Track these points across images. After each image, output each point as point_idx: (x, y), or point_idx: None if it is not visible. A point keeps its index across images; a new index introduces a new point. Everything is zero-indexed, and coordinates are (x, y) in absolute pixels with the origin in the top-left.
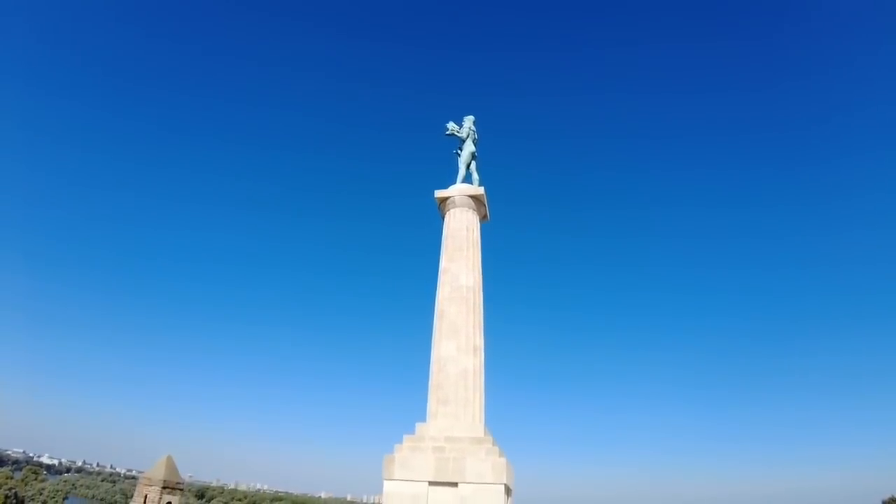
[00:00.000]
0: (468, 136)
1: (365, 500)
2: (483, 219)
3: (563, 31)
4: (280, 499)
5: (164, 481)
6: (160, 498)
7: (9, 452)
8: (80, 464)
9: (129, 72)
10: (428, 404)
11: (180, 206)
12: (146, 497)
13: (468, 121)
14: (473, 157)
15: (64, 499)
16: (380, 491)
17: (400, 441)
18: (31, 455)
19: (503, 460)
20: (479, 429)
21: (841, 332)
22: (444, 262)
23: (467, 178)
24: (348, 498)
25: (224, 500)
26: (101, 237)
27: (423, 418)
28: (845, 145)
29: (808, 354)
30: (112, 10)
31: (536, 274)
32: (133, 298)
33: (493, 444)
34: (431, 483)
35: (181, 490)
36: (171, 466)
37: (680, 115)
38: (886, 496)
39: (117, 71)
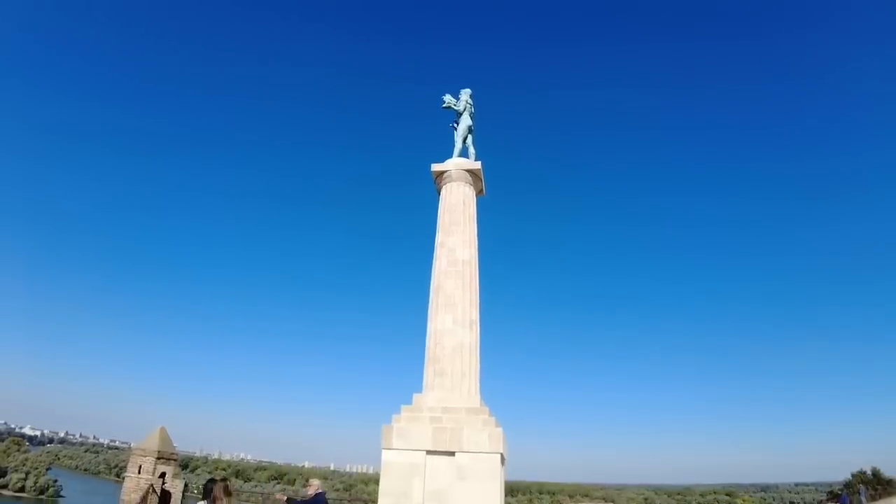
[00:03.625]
0: (465, 110)
1: (348, 469)
2: (479, 193)
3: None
4: (263, 468)
5: (159, 452)
6: (155, 468)
7: None
8: (62, 435)
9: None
10: (424, 376)
11: (173, 180)
12: (140, 468)
13: (465, 94)
14: (470, 130)
15: (47, 469)
16: (363, 461)
17: (398, 412)
18: (12, 426)
19: (499, 430)
20: (475, 400)
21: (815, 317)
22: (440, 237)
23: (464, 152)
24: (331, 467)
25: (208, 470)
26: (85, 203)
27: (419, 390)
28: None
29: (781, 335)
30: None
31: (531, 249)
32: (113, 269)
33: (490, 415)
34: (429, 452)
35: (175, 460)
36: (165, 437)
37: (677, 100)
38: (856, 469)
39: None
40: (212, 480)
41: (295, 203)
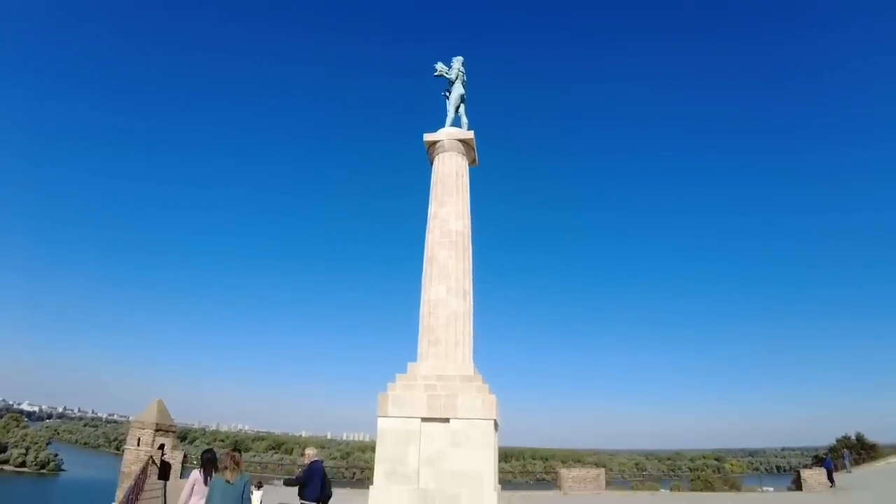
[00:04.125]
0: (457, 78)
1: (345, 438)
2: (472, 163)
3: None
4: (262, 438)
5: (157, 424)
6: (153, 440)
7: None
8: (60, 410)
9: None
10: (419, 345)
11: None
12: (139, 440)
13: (457, 62)
14: (462, 99)
15: (47, 444)
16: (359, 429)
17: (392, 381)
18: (10, 403)
19: (493, 397)
20: (468, 368)
21: (801, 288)
22: (433, 207)
23: (456, 122)
24: (328, 436)
25: (206, 441)
26: (81, 172)
27: (413, 360)
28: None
29: (768, 307)
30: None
31: (523, 218)
32: (107, 243)
33: (483, 382)
34: (424, 419)
35: (173, 432)
36: (163, 410)
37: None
38: (840, 435)
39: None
40: (208, 450)
41: (288, 169)
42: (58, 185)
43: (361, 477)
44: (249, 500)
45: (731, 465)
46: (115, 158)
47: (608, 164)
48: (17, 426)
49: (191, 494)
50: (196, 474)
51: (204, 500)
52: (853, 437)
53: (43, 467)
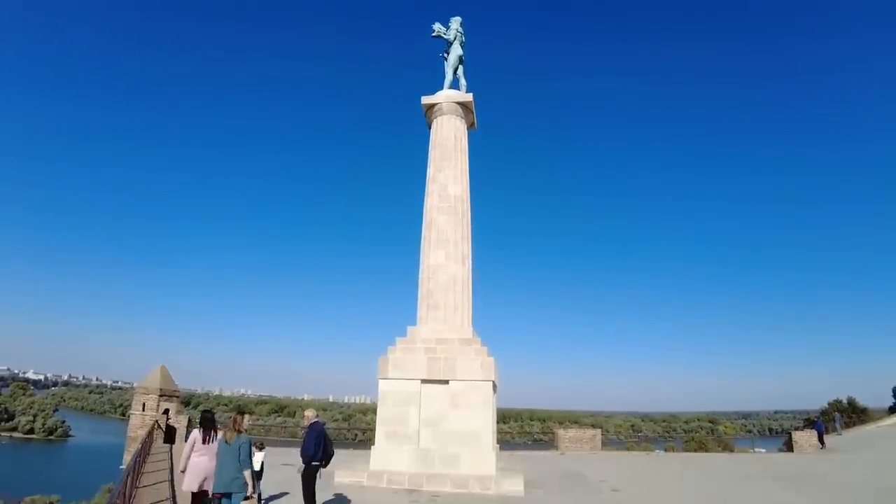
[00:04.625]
0: (455, 39)
1: (346, 400)
2: (471, 127)
3: None
4: (265, 402)
5: (161, 390)
6: (158, 405)
7: None
8: (65, 378)
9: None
10: (418, 310)
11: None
12: (144, 405)
13: (455, 22)
14: (461, 60)
15: (54, 411)
16: (360, 392)
17: (393, 344)
18: (16, 371)
19: (491, 359)
20: (467, 331)
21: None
22: (431, 172)
23: (454, 83)
24: (330, 399)
25: (210, 406)
26: (83, 138)
27: (413, 324)
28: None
29: (762, 273)
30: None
31: (523, 180)
32: (109, 210)
33: (482, 345)
34: (424, 381)
35: (177, 397)
36: (166, 375)
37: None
38: (832, 398)
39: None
40: (207, 411)
41: (288, 136)
42: (56, 154)
43: (363, 438)
44: (246, 459)
45: (725, 427)
46: (108, 124)
47: (609, 122)
48: (24, 394)
49: (191, 452)
50: (196, 434)
51: (204, 457)
52: (845, 402)
53: (51, 434)
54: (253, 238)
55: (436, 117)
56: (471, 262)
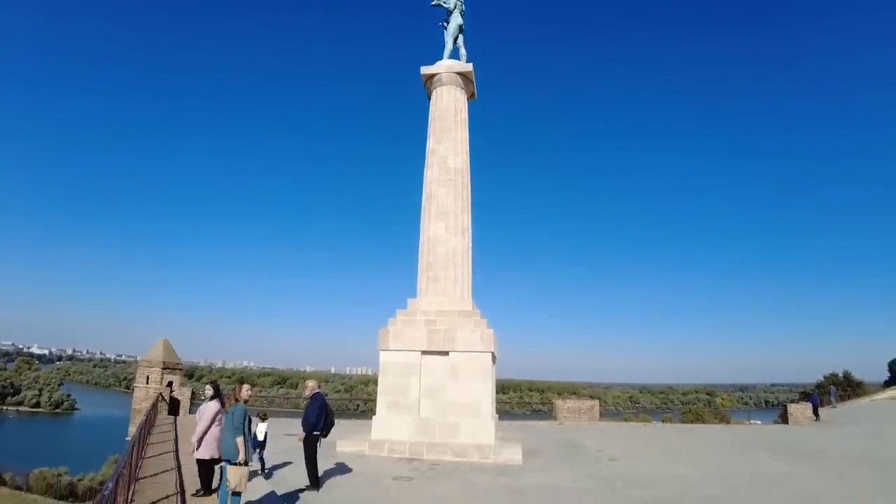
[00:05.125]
0: (455, 7)
1: (348, 372)
2: (471, 97)
3: None
4: (267, 374)
5: (164, 363)
6: (162, 378)
7: None
8: (70, 352)
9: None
10: (418, 282)
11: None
12: (148, 378)
13: None
14: (461, 30)
15: (60, 385)
16: (361, 363)
17: (393, 316)
18: (20, 346)
19: (490, 331)
20: (467, 303)
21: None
22: (431, 144)
23: (454, 53)
24: (332, 371)
25: (213, 378)
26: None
27: (413, 296)
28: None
29: (760, 246)
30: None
31: (523, 151)
32: (111, 186)
33: (481, 317)
34: (424, 352)
35: (180, 370)
36: (169, 348)
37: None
38: (828, 372)
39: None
40: (214, 382)
41: (286, 110)
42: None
43: (365, 409)
44: (240, 427)
45: (722, 399)
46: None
47: (612, 102)
48: (29, 369)
49: (212, 424)
50: (215, 405)
51: (217, 427)
52: (840, 375)
53: (57, 407)
54: (255, 211)
55: (435, 88)
56: (471, 234)
